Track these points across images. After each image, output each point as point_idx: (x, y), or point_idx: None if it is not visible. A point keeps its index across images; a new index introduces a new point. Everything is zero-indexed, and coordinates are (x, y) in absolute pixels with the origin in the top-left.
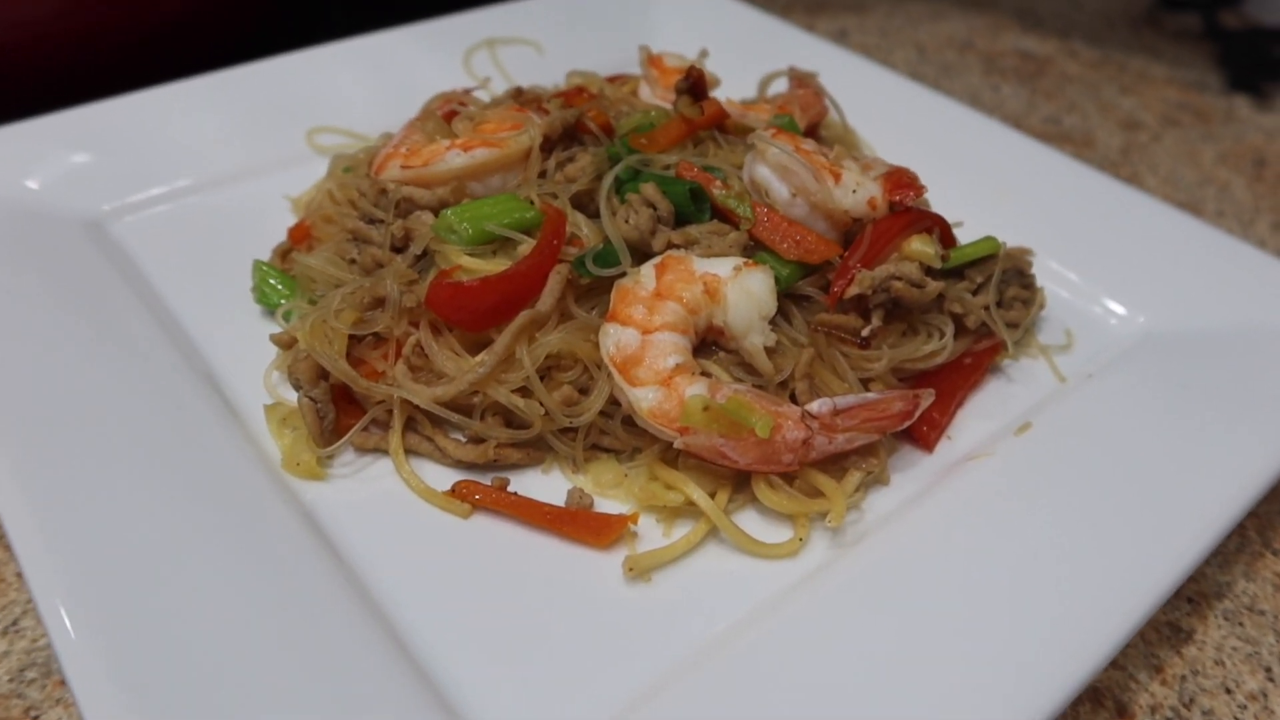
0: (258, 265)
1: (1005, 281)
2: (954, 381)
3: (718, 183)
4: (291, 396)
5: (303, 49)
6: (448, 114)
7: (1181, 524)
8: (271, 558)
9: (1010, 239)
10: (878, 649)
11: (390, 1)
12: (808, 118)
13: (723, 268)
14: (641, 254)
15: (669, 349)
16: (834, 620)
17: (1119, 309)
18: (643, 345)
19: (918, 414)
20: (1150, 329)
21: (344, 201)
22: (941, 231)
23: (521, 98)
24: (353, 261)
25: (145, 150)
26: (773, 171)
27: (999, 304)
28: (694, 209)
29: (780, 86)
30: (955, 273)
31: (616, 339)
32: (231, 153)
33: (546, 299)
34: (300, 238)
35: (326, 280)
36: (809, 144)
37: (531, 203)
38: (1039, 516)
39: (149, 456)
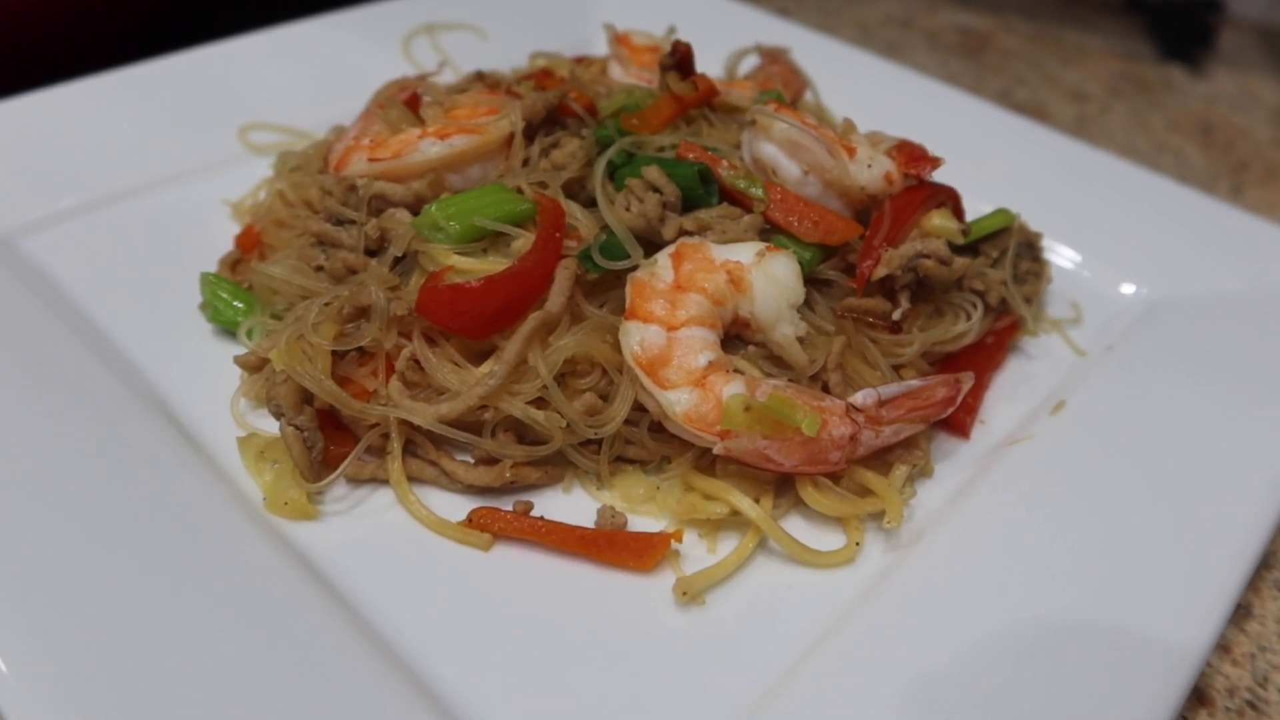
0: (206, 278)
1: (1018, 255)
2: (979, 362)
3: (724, 163)
4: (265, 425)
5: (225, 39)
6: (408, 101)
7: (1246, 490)
8: (269, 615)
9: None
10: (980, 655)
11: None
12: (789, 94)
13: (744, 254)
14: (649, 244)
15: (699, 346)
16: (923, 630)
17: (1118, 279)
18: (669, 343)
19: (960, 399)
20: (1153, 298)
21: (299, 203)
22: (954, 205)
23: (485, 82)
24: (319, 268)
25: (52, 157)
26: (780, 149)
27: (1015, 279)
28: (702, 192)
29: (747, 65)
30: (970, 248)
31: (640, 338)
32: (155, 155)
33: (556, 298)
34: (250, 246)
35: (292, 291)
36: (810, 118)
37: (520, 193)
38: (1100, 498)
39: (105, 508)
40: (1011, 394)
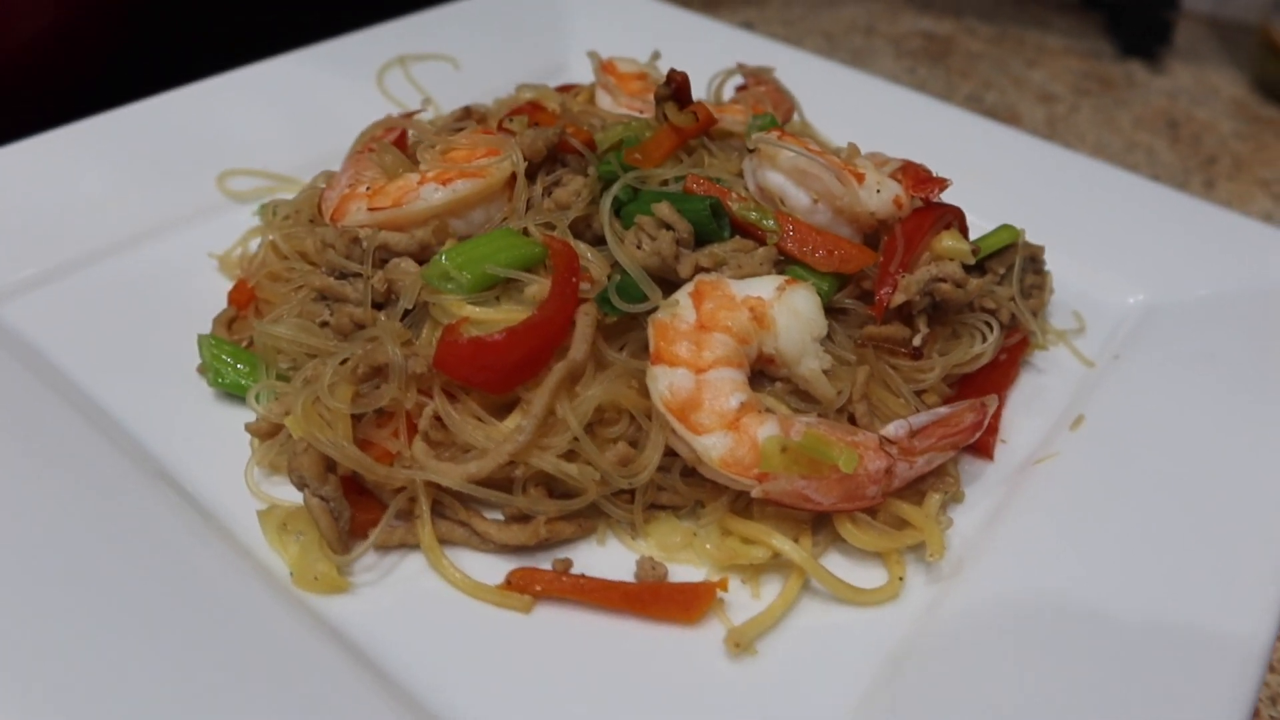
0: (205, 341)
1: (1022, 270)
2: (995, 381)
3: (733, 194)
4: (281, 494)
5: (191, 83)
6: (396, 141)
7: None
8: (310, 698)
9: (987, 224)
10: (1051, 678)
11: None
12: (779, 115)
13: (765, 289)
14: (663, 282)
15: (729, 387)
16: (986, 660)
17: (1116, 286)
18: (698, 386)
19: (987, 422)
20: (1152, 304)
21: (294, 255)
22: (960, 224)
23: (473, 117)
24: (324, 324)
25: (20, 216)
26: (787, 177)
27: (1021, 293)
28: (714, 226)
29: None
30: (977, 266)
31: (669, 382)
32: (131, 209)
33: (579, 345)
34: (244, 302)
35: (298, 351)
36: (813, 144)
37: (525, 235)
38: (1138, 509)
39: (121, 596)
40: (1027, 410)
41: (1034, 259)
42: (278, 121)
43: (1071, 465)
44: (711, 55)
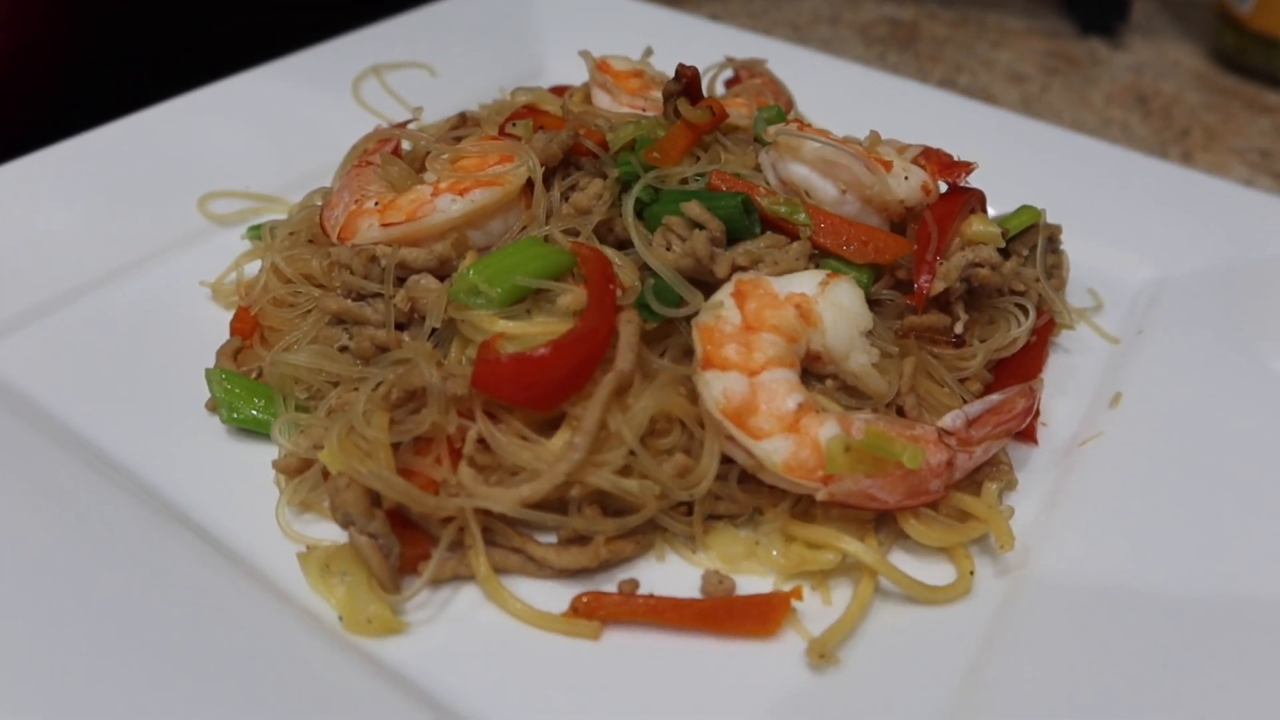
0: (214, 375)
1: (1044, 251)
2: (1030, 364)
3: (760, 189)
4: (316, 534)
5: (161, 101)
6: (395, 154)
7: None
8: None
9: (992, 208)
10: (1142, 660)
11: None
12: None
13: (807, 284)
14: (698, 284)
15: (784, 388)
16: (1077, 652)
17: (1128, 262)
18: (752, 389)
19: (1036, 406)
20: (1162, 276)
21: (298, 278)
22: (982, 207)
23: (468, 125)
24: (344, 349)
25: None
26: (813, 169)
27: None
28: (746, 223)
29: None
30: (1002, 250)
31: (722, 388)
32: (107, 241)
33: (626, 355)
34: (248, 331)
35: (320, 380)
36: (834, 134)
37: (546, 243)
38: (1195, 483)
39: (166, 657)
40: (1061, 392)
41: (1052, 239)
42: (254, 139)
43: (1118, 444)
44: (693, 51)
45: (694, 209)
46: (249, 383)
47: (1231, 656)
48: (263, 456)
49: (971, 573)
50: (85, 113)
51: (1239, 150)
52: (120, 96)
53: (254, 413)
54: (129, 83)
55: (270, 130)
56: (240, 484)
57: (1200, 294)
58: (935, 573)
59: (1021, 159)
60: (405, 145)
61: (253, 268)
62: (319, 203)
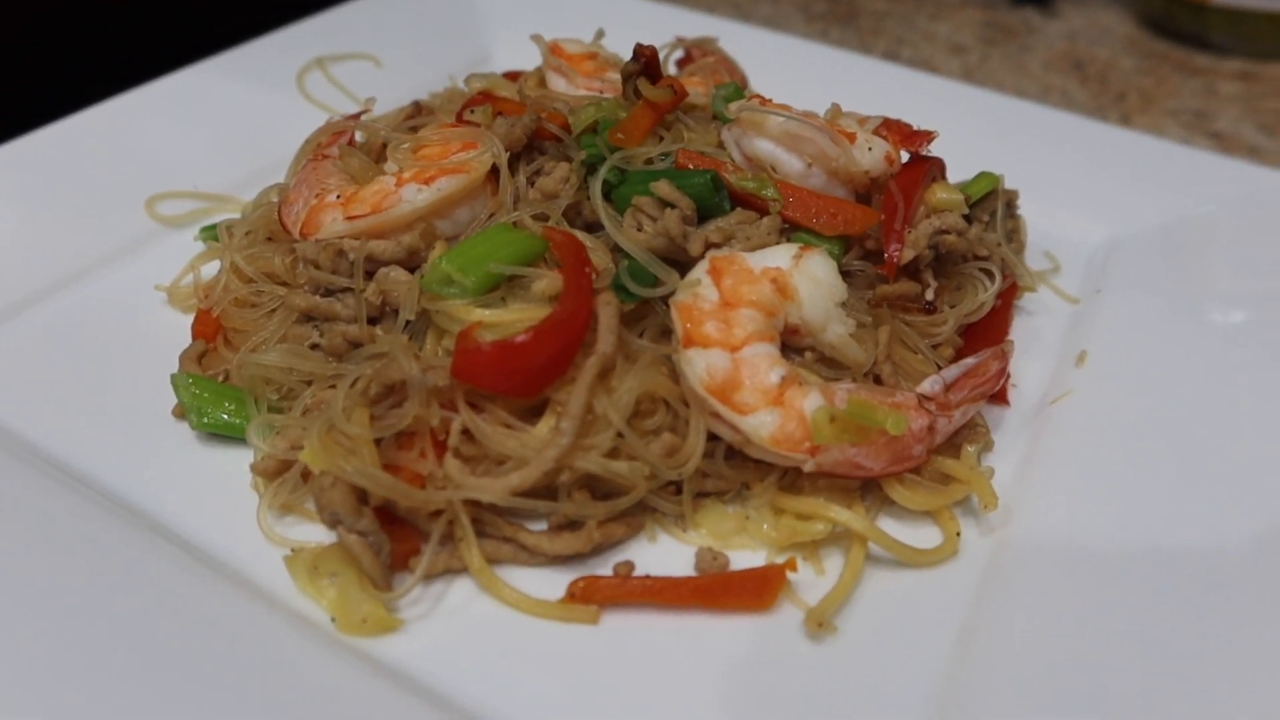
0: (180, 380)
1: (1003, 216)
2: (997, 327)
3: (727, 166)
4: (302, 536)
5: (100, 101)
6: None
7: None
8: None
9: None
10: (1136, 614)
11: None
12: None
13: (781, 258)
14: (671, 263)
15: (767, 363)
16: (1074, 607)
17: (1076, 225)
18: (735, 365)
19: (1009, 367)
20: (1114, 237)
21: (259, 277)
22: (942, 175)
23: (423, 114)
24: (315, 347)
25: None
26: (777, 144)
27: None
28: (716, 200)
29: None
30: (965, 216)
31: (705, 365)
32: (53, 248)
33: (607, 337)
34: (211, 333)
35: (292, 379)
36: (795, 108)
37: (517, 228)
38: (1167, 437)
39: (159, 673)
40: (1028, 352)
41: (1010, 204)
42: (199, 137)
43: (1087, 400)
44: (640, 32)
45: (664, 188)
46: (218, 386)
47: (1212, 603)
48: (237, 461)
49: (958, 534)
50: (19, 117)
51: (1174, 111)
52: (55, 98)
53: (225, 416)
54: (63, 84)
55: (214, 128)
56: (217, 490)
57: (1151, 252)
58: (922, 536)
59: (972, 127)
60: (359, 137)
61: (209, 269)
62: (275, 199)
